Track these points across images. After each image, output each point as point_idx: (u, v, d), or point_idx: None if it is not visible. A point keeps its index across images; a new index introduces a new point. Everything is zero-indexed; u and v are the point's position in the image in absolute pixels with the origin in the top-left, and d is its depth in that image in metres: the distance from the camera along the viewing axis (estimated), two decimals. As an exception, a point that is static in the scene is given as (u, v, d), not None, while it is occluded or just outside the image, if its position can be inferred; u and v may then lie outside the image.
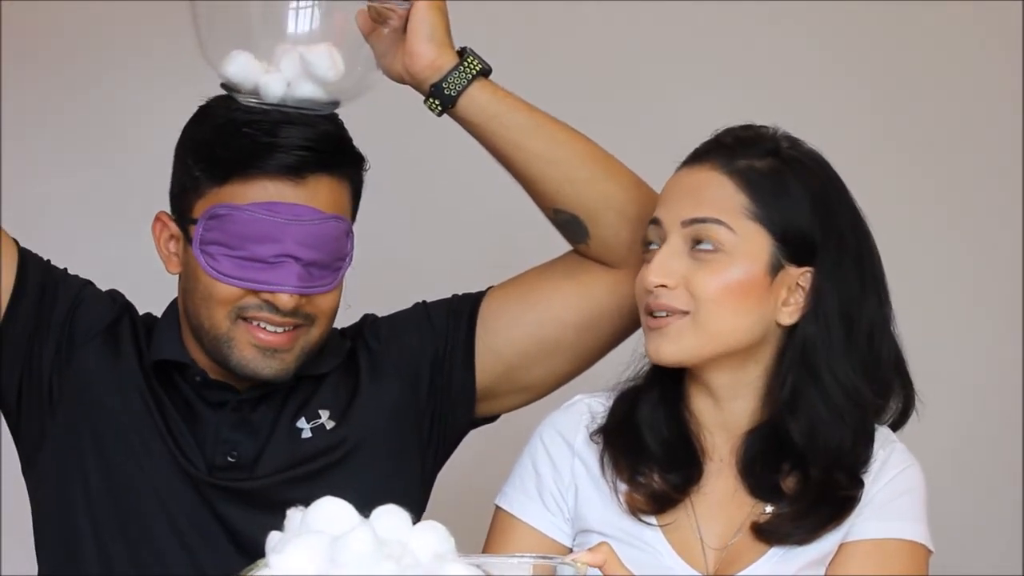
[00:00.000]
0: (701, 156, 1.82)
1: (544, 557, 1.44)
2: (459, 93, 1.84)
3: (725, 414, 1.83)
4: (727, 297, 1.76)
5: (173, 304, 1.94)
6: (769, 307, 1.79)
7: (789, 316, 1.80)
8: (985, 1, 2.87)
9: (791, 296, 1.79)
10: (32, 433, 1.91)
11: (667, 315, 1.77)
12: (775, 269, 1.78)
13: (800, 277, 1.79)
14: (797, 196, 1.79)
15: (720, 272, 1.76)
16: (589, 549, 1.48)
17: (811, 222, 1.79)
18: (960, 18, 2.89)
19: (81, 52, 2.79)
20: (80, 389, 1.89)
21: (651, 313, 1.79)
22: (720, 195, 1.78)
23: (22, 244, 1.95)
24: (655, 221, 1.80)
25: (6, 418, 1.93)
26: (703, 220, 1.77)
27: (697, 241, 1.77)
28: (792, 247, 1.78)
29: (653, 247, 1.80)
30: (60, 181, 2.79)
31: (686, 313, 1.77)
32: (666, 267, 1.77)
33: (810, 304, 1.79)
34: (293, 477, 1.89)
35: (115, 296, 1.98)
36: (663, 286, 1.77)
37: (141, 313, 1.98)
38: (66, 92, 2.79)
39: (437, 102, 1.85)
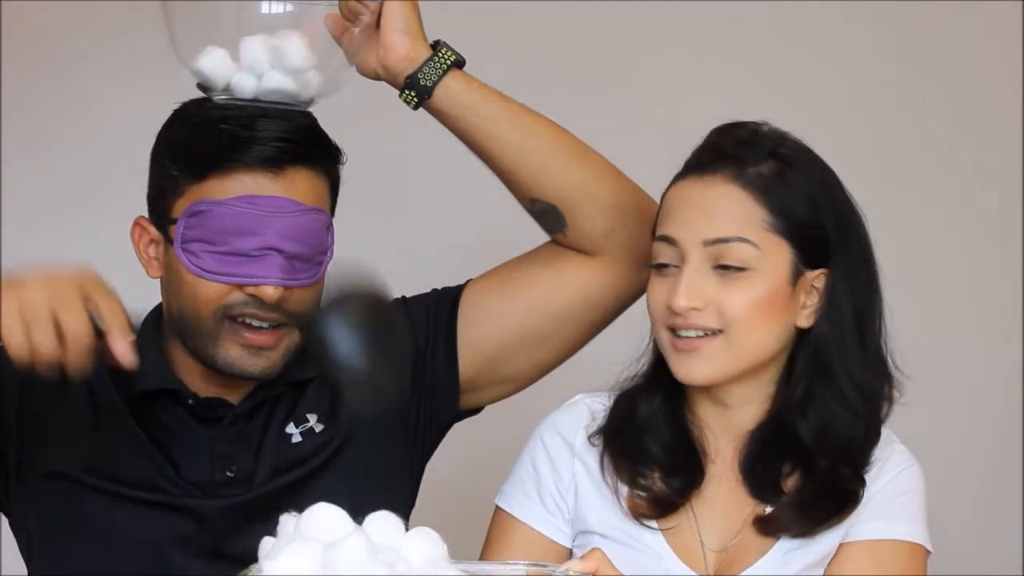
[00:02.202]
0: (707, 167, 1.78)
1: (536, 565, 1.44)
2: (434, 84, 1.84)
3: (731, 418, 1.82)
4: (756, 314, 1.75)
5: (147, 326, 1.91)
6: (791, 314, 1.78)
7: (806, 319, 1.79)
8: (985, 1, 2.87)
9: (807, 299, 1.79)
10: (14, 505, 1.89)
11: (697, 336, 1.75)
12: (796, 276, 1.77)
13: (815, 279, 1.79)
14: (808, 199, 1.77)
15: (748, 290, 1.74)
16: (581, 557, 1.47)
17: (823, 223, 1.78)
18: (960, 18, 2.89)
19: (82, 52, 2.80)
20: (43, 454, 1.87)
21: (676, 333, 1.76)
22: (739, 211, 1.75)
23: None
24: (667, 239, 1.77)
25: None
26: (726, 239, 1.74)
27: (721, 260, 1.74)
28: (808, 252, 1.77)
29: (668, 267, 1.77)
30: (58, 181, 2.79)
31: (718, 332, 1.75)
32: (694, 289, 1.74)
33: (824, 305, 1.79)
34: (288, 483, 1.88)
35: None
36: (694, 309, 1.74)
37: None
38: (66, 92, 2.79)
39: (413, 94, 1.85)
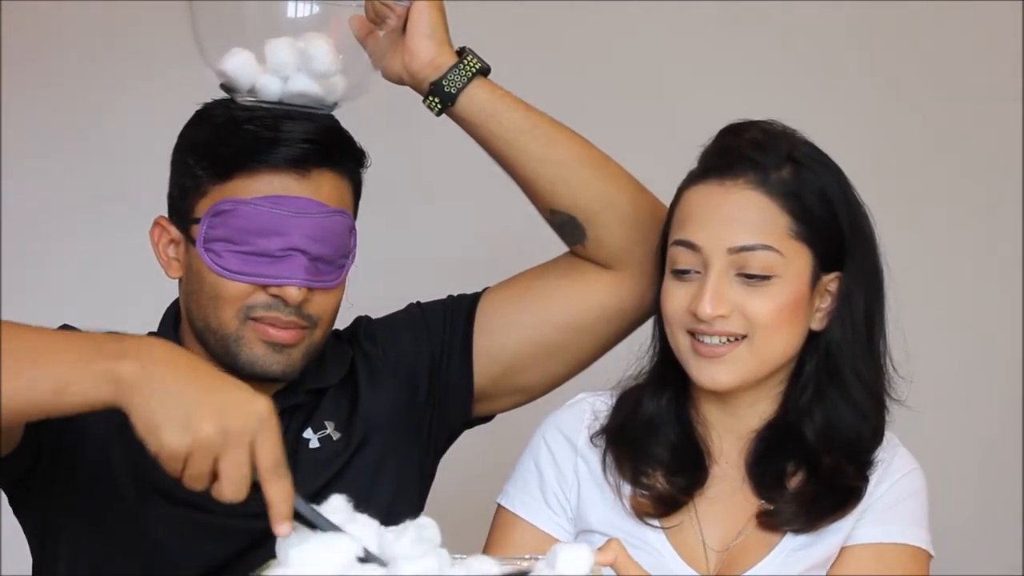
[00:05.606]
0: (726, 171, 1.77)
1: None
2: (459, 91, 1.84)
3: (737, 419, 1.83)
4: (780, 320, 1.75)
5: (168, 333, 1.90)
6: (809, 318, 1.79)
7: (819, 322, 1.79)
8: (985, 1, 2.87)
9: (820, 302, 1.79)
10: (35, 502, 1.87)
11: (721, 342, 1.75)
12: (815, 281, 1.77)
13: (829, 283, 1.79)
14: (826, 203, 1.77)
15: (773, 297, 1.74)
16: (599, 548, 1.45)
17: (840, 225, 1.78)
18: (960, 18, 2.89)
19: (81, 52, 2.80)
20: (79, 459, 1.84)
21: (698, 339, 1.76)
22: (764, 218, 1.75)
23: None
24: (690, 245, 1.76)
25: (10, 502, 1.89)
26: (752, 248, 1.74)
27: (746, 269, 1.74)
28: (826, 255, 1.77)
29: (689, 272, 1.77)
30: (59, 183, 2.79)
31: (741, 338, 1.75)
32: (720, 297, 1.73)
33: (837, 308, 1.79)
34: (308, 493, 1.86)
35: None
36: (720, 316, 1.74)
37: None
38: (66, 92, 2.79)
39: (437, 100, 1.85)
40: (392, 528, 1.42)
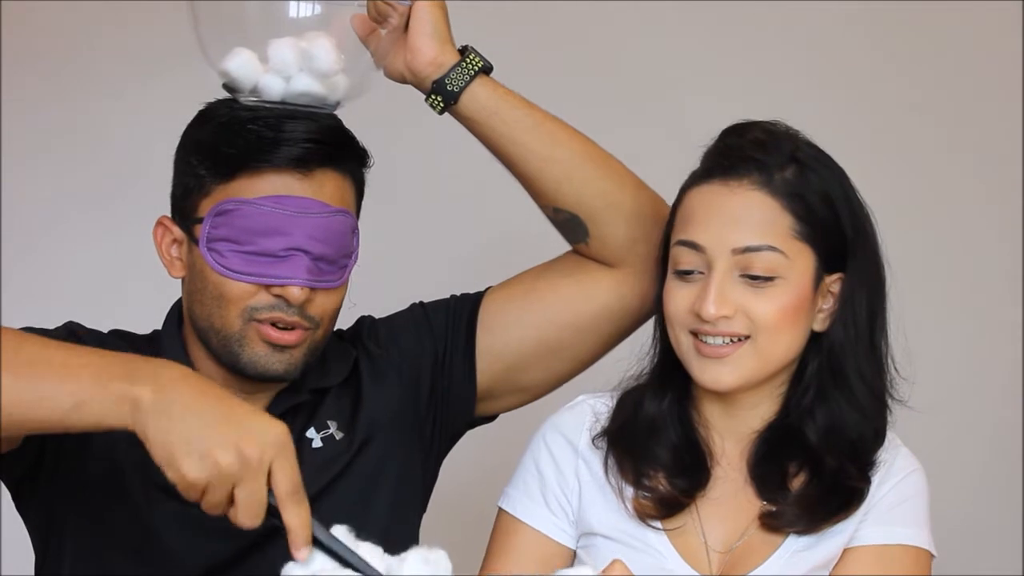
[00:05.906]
0: (730, 172, 1.77)
1: None
2: (461, 89, 1.84)
3: (739, 420, 1.83)
4: (784, 321, 1.75)
5: (172, 331, 1.90)
6: (811, 319, 1.79)
7: (821, 323, 1.80)
8: (985, 1, 2.88)
9: (823, 303, 1.79)
10: (40, 500, 1.86)
11: (724, 343, 1.75)
12: (817, 282, 1.77)
13: (832, 284, 1.79)
14: (828, 204, 1.77)
15: (777, 298, 1.74)
16: (603, 570, 1.46)
17: (842, 226, 1.78)
18: (960, 18, 2.89)
19: (81, 52, 2.80)
20: (84, 457, 1.84)
21: (701, 339, 1.76)
22: (768, 219, 1.75)
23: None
24: (693, 245, 1.76)
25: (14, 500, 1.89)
26: (756, 248, 1.74)
27: (750, 270, 1.74)
28: (828, 256, 1.77)
29: (692, 272, 1.77)
30: (59, 181, 2.79)
31: (744, 338, 1.75)
32: (724, 297, 1.74)
33: (839, 309, 1.79)
34: (312, 493, 1.86)
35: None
36: (723, 316, 1.74)
37: (107, 331, 1.91)
38: (66, 92, 2.79)
39: (439, 99, 1.85)
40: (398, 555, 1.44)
